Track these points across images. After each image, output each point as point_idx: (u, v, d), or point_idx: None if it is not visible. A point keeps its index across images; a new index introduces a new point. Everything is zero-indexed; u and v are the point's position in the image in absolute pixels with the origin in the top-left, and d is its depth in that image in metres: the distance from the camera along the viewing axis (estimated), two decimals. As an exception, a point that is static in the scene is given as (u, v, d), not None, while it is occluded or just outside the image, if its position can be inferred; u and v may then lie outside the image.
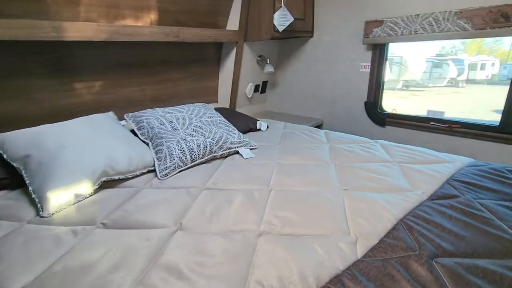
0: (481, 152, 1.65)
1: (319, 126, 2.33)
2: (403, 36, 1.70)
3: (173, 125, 1.38)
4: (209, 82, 2.29)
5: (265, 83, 2.57)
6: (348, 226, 0.85)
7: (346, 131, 2.10)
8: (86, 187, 1.02)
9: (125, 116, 1.51)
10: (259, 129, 1.86)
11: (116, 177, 1.13)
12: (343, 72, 2.13)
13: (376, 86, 1.99)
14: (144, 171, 1.23)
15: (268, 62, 2.33)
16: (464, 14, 1.48)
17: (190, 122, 1.43)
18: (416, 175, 1.15)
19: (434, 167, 1.21)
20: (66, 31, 1.29)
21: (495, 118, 1.64)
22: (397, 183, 1.09)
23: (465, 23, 1.49)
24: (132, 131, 1.41)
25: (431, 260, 0.71)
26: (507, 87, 1.52)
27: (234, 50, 2.15)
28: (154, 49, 1.81)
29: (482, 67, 6.56)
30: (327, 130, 1.78)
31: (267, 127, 1.89)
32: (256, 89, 2.51)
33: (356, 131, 2.10)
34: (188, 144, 1.29)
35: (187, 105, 1.62)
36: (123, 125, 1.46)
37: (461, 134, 1.71)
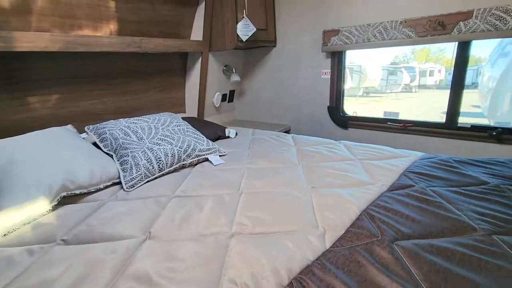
0: (431, 146, 1.81)
1: (287, 132, 2.41)
2: (357, 44, 1.84)
3: (138, 135, 1.35)
4: (175, 92, 2.28)
5: (232, 92, 2.61)
6: (317, 220, 0.89)
7: (312, 135, 2.19)
8: (43, 204, 0.95)
9: (85, 128, 1.44)
10: (228, 136, 1.87)
11: (77, 192, 1.07)
12: (306, 79, 2.23)
13: (337, 91, 2.12)
14: (109, 183, 1.18)
15: (234, 71, 2.38)
16: (408, 23, 1.65)
17: (156, 132, 1.41)
18: (376, 170, 1.24)
19: (392, 162, 1.32)
20: (16, 42, 1.22)
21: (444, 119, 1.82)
22: (360, 178, 1.17)
23: (409, 31, 1.65)
24: (95, 144, 1.35)
25: (392, 243, 0.76)
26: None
27: (200, 60, 2.17)
28: (116, 60, 1.78)
29: (431, 73, 7.18)
30: (294, 134, 1.85)
31: (236, 134, 1.92)
32: (223, 98, 2.54)
33: (322, 135, 2.20)
34: (155, 153, 1.26)
35: (152, 115, 1.59)
36: (83, 138, 1.39)
37: (414, 132, 1.87)
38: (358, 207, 0.95)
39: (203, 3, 2.00)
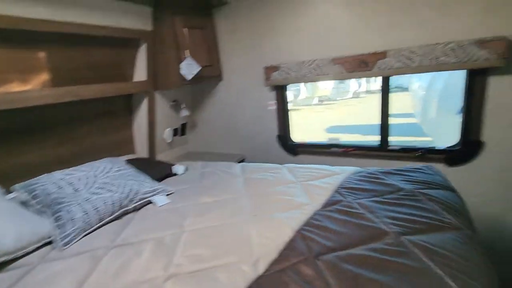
0: (369, 167, 2.00)
1: (242, 161, 2.47)
2: (296, 79, 1.99)
3: (74, 187, 1.34)
4: (122, 133, 2.23)
5: (184, 125, 2.62)
6: (252, 248, 0.96)
7: (265, 163, 2.27)
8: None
9: (12, 188, 1.35)
10: (176, 174, 1.86)
11: (3, 259, 1.01)
12: (254, 110, 2.34)
13: (284, 120, 2.25)
14: (40, 244, 1.14)
15: (183, 106, 2.39)
16: (337, 61, 1.84)
17: (95, 180, 1.40)
18: (314, 190, 1.38)
19: (328, 180, 1.47)
20: None
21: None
22: (299, 200, 1.29)
23: (339, 67, 1.84)
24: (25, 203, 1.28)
25: (316, 259, 0.86)
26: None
27: (146, 99, 2.15)
28: (52, 108, 1.68)
29: (375, 79, 7.78)
30: (245, 163, 1.92)
31: (185, 169, 1.91)
32: (175, 132, 2.53)
33: (274, 162, 2.30)
34: (93, 203, 1.26)
35: (91, 163, 1.57)
36: (11, 198, 1.31)
37: (354, 155, 2.06)
38: (292, 229, 1.04)
39: (144, 45, 2.00)
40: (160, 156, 2.42)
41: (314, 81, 1.97)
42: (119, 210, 1.32)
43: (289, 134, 2.30)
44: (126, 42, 1.97)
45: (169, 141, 2.46)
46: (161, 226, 1.18)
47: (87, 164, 1.55)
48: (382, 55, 1.71)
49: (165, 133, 2.41)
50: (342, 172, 1.56)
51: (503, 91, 1.54)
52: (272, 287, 0.76)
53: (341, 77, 1.87)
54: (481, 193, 1.68)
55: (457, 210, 1.10)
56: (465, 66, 1.53)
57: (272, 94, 2.23)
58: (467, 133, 1.69)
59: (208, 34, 2.27)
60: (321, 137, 7.21)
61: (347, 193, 1.29)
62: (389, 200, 1.17)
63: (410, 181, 1.33)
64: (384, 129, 1.95)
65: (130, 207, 1.36)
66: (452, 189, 1.28)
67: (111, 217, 1.29)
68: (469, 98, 1.64)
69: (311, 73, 1.96)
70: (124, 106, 2.21)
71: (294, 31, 2.02)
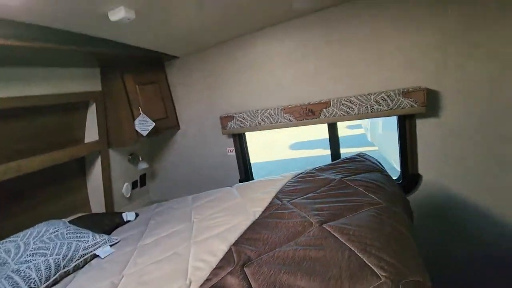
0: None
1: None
2: (250, 127, 2.07)
3: (1, 260, 1.24)
4: (77, 195, 2.12)
5: (143, 176, 2.55)
6: (188, 273, 0.97)
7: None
8: None
9: None
10: (128, 220, 1.80)
11: None
12: (214, 157, 2.37)
13: (244, 164, 2.29)
14: None
15: (140, 159, 2.34)
16: (287, 110, 1.96)
17: (26, 248, 1.31)
18: (256, 202, 1.40)
19: (269, 189, 1.51)
20: None
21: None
22: (242, 215, 1.30)
23: (289, 116, 1.95)
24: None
25: (242, 268, 0.88)
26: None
27: (99, 158, 2.07)
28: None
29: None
30: (196, 194, 1.90)
31: (137, 215, 1.87)
32: (134, 185, 2.44)
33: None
34: (23, 273, 1.16)
35: (24, 230, 1.47)
36: None
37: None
38: (228, 244, 1.06)
39: (93, 105, 1.95)
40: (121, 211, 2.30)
41: (268, 129, 2.07)
42: (57, 272, 1.23)
43: (251, 177, 2.36)
44: (75, 105, 1.91)
45: (128, 195, 2.37)
46: (99, 278, 1.14)
47: (18, 233, 1.44)
48: (326, 104, 1.87)
49: (124, 188, 2.32)
50: (283, 178, 1.61)
51: (428, 131, 1.77)
52: None
53: (292, 125, 1.99)
54: (424, 224, 1.87)
55: (379, 187, 1.18)
56: (395, 112, 1.74)
57: (231, 141, 2.29)
58: (406, 168, 1.89)
59: (161, 87, 2.28)
60: (285, 155, 7.43)
61: (284, 196, 1.34)
62: (319, 194, 1.24)
63: (341, 171, 1.43)
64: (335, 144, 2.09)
65: (70, 267, 1.29)
66: (379, 170, 1.39)
67: (47, 282, 1.19)
68: (403, 138, 1.85)
69: (264, 121, 2.05)
70: (77, 168, 2.09)
71: (245, 83, 2.12)
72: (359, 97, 1.78)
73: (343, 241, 0.86)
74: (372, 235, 0.85)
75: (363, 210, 1.03)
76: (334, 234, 0.91)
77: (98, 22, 1.27)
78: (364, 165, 1.46)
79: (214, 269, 0.93)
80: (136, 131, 2.03)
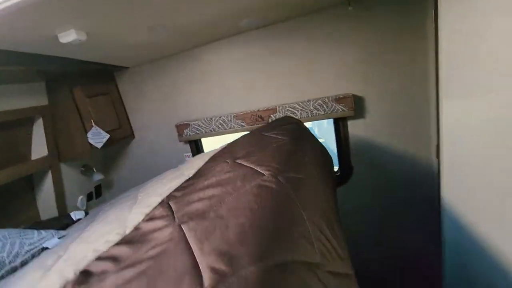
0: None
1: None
2: (206, 134, 2.20)
3: None
4: (27, 213, 2.01)
5: (98, 187, 2.49)
6: (127, 222, 1.01)
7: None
8: None
9: None
10: (79, 219, 1.80)
11: None
12: (172, 163, 2.41)
13: (201, 168, 2.41)
14: None
15: (94, 170, 2.30)
16: (239, 116, 2.12)
17: None
18: (195, 167, 1.39)
19: (208, 156, 1.51)
20: None
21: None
22: (179, 179, 1.27)
23: (241, 122, 2.12)
24: None
25: (168, 203, 0.98)
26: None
27: (49, 173, 2.00)
28: None
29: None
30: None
31: (86, 213, 1.87)
32: (90, 196, 2.39)
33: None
34: None
35: None
36: None
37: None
38: (163, 197, 1.11)
39: (40, 120, 1.88)
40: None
41: (223, 135, 2.22)
42: (1, 269, 1.21)
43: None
44: (18, 121, 1.81)
45: (83, 208, 2.31)
46: (45, 259, 1.10)
47: None
48: (273, 110, 2.09)
49: (78, 202, 2.26)
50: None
51: (357, 130, 2.10)
52: None
53: (244, 130, 2.17)
54: (358, 203, 2.22)
55: (288, 130, 1.41)
56: (331, 116, 2.02)
57: (187, 147, 2.38)
58: (343, 161, 2.21)
59: (112, 97, 2.26)
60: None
61: (217, 157, 1.38)
62: (243, 145, 1.36)
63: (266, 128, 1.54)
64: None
65: (17, 262, 1.28)
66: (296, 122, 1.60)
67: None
68: (338, 136, 2.17)
69: (218, 128, 2.20)
70: (24, 184, 1.99)
71: (197, 92, 2.22)
72: (300, 103, 2.03)
73: (246, 165, 1.05)
74: (269, 158, 1.06)
75: (272, 145, 1.23)
76: (242, 163, 1.09)
77: (47, 44, 1.28)
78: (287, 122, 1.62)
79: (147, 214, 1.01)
80: (90, 143, 2.00)
